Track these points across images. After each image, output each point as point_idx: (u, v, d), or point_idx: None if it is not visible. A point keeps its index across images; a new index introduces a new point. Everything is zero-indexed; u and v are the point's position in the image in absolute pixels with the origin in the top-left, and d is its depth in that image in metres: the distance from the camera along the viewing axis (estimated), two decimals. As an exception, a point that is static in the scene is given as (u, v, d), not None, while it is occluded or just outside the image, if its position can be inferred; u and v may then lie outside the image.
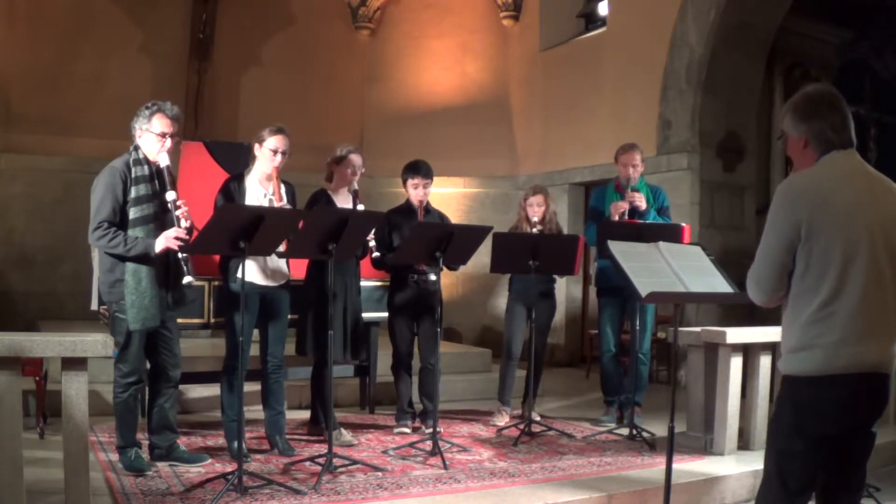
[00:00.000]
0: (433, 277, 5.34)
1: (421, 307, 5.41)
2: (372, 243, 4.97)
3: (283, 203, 4.52)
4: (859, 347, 2.47)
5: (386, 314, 5.75)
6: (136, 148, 4.23)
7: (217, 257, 4.68)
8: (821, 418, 2.51)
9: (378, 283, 5.87)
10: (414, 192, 5.45)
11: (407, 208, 5.52)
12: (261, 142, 4.56)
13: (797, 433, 2.54)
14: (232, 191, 4.53)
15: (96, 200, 4.13)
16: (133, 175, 4.14)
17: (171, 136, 4.23)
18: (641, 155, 5.85)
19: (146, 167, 4.19)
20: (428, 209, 5.53)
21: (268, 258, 4.51)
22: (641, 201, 5.67)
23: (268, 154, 4.54)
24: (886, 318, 2.52)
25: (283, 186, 4.64)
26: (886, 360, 2.54)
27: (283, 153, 4.55)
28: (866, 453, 2.62)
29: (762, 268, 2.61)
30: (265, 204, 4.52)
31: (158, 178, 4.21)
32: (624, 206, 5.64)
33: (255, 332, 4.70)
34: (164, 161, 4.18)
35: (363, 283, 5.40)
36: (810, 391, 2.52)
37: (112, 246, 4.08)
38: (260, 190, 4.59)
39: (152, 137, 4.20)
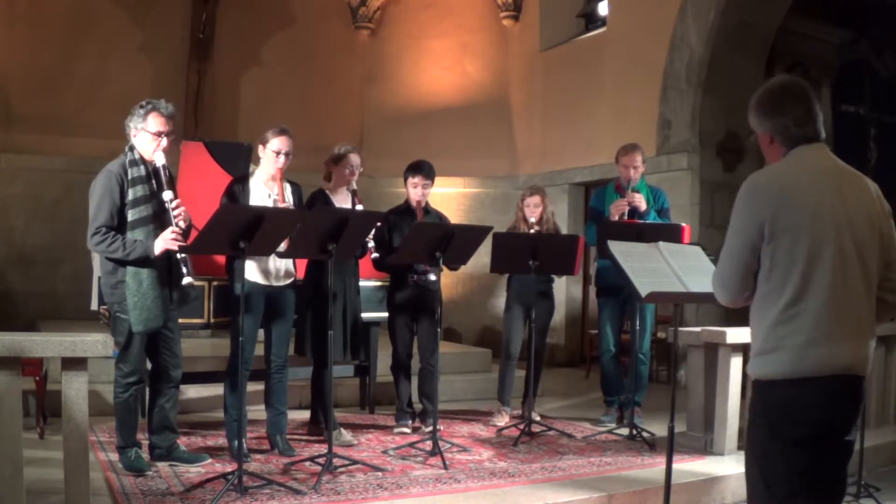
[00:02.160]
0: (433, 277, 5.33)
1: (421, 307, 5.41)
2: (371, 244, 4.96)
3: (288, 204, 4.51)
4: (828, 348, 2.38)
5: (385, 314, 5.76)
6: (132, 148, 4.21)
7: (223, 258, 4.68)
8: (792, 422, 2.42)
9: (378, 284, 5.86)
10: (413, 191, 5.45)
11: (406, 208, 5.52)
12: (264, 143, 4.56)
13: (772, 438, 2.45)
14: (236, 193, 4.53)
15: (93, 205, 4.12)
16: (130, 177, 4.12)
17: (167, 134, 4.21)
18: (643, 156, 5.84)
19: (142, 167, 4.17)
20: (427, 209, 5.53)
21: (274, 258, 4.51)
22: (641, 202, 5.66)
23: (271, 155, 4.54)
24: (857, 318, 2.44)
25: (288, 187, 4.64)
26: (859, 362, 2.44)
27: (287, 154, 4.55)
28: (843, 461, 2.51)
29: (726, 268, 2.54)
30: (269, 205, 4.51)
31: (155, 178, 4.19)
32: (623, 205, 5.64)
33: (261, 331, 4.71)
34: (160, 160, 4.17)
35: (362, 283, 5.41)
36: (779, 394, 2.43)
37: (111, 251, 4.07)
38: (264, 191, 4.59)
39: (148, 137, 4.19)
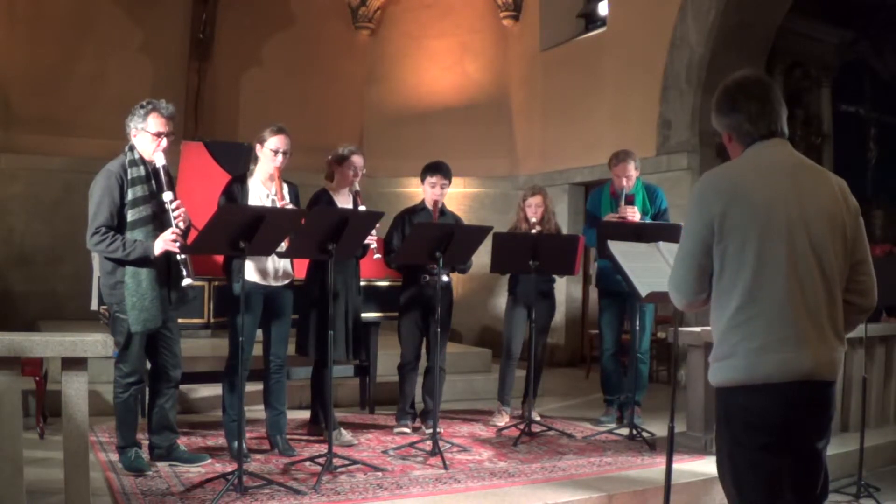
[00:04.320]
0: (445, 278, 5.31)
1: (431, 308, 5.37)
2: (373, 245, 4.95)
3: (286, 203, 4.52)
4: (785, 354, 2.27)
5: (385, 314, 5.76)
6: (132, 148, 4.21)
7: (221, 258, 4.68)
8: (752, 429, 2.32)
9: (378, 283, 5.87)
10: (431, 190, 5.46)
11: (421, 208, 5.53)
12: (262, 142, 4.56)
13: (737, 445, 2.36)
14: (235, 192, 4.53)
15: (93, 205, 4.11)
16: (129, 177, 4.12)
17: (167, 134, 4.21)
18: (636, 162, 5.77)
19: (142, 168, 4.17)
20: (443, 211, 5.53)
21: (272, 258, 4.51)
22: (634, 215, 5.61)
23: (269, 154, 4.53)
24: (818, 321, 2.31)
25: (285, 186, 4.64)
26: (822, 367, 2.30)
27: (285, 153, 4.54)
28: (815, 469, 2.40)
29: (679, 270, 2.45)
30: (268, 204, 4.51)
31: (155, 178, 4.19)
32: (615, 219, 5.60)
33: (259, 332, 4.71)
34: (160, 160, 4.16)
35: (363, 283, 5.40)
36: (737, 402, 2.34)
37: (111, 251, 4.07)
38: (262, 190, 4.59)
39: (148, 137, 4.18)
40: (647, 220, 5.71)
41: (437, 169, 5.47)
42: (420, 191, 5.62)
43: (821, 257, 2.34)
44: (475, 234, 5.05)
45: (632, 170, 5.73)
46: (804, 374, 2.29)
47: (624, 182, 5.70)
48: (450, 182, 5.52)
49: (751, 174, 2.39)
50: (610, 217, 5.63)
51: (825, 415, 2.39)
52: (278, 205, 4.47)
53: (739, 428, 2.35)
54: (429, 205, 5.50)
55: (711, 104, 2.57)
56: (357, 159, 5.08)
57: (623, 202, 5.65)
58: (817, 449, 2.40)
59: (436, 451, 4.68)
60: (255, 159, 4.62)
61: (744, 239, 2.31)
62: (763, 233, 2.31)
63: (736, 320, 2.32)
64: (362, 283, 5.52)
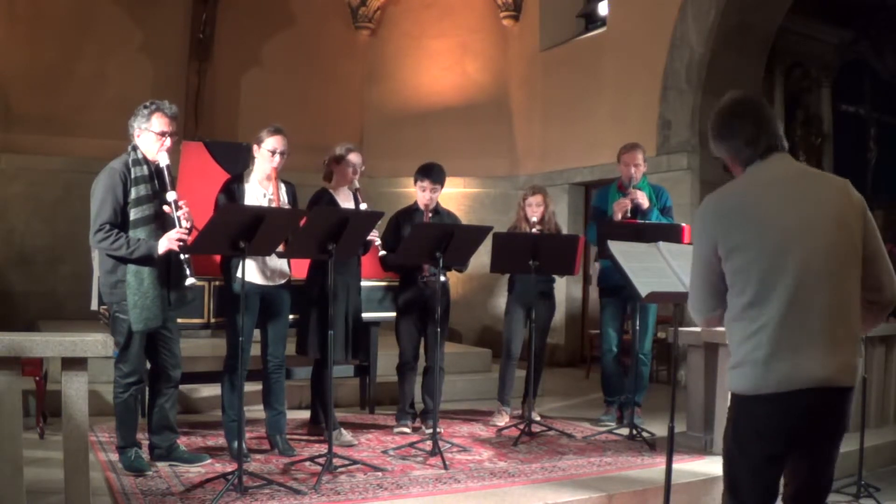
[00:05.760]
0: (443, 278, 5.32)
1: (428, 308, 5.38)
2: (377, 242, 4.95)
3: (282, 203, 4.51)
4: (795, 361, 2.29)
5: (385, 314, 5.75)
6: (135, 148, 4.22)
7: (218, 257, 4.68)
8: (759, 438, 2.36)
9: (378, 283, 5.87)
10: (421, 194, 5.47)
11: (415, 209, 5.53)
12: (259, 143, 4.57)
13: (740, 453, 2.41)
14: (233, 192, 4.53)
15: (96, 203, 4.12)
16: (133, 176, 4.13)
17: (171, 134, 4.22)
18: (644, 154, 5.84)
19: (145, 167, 4.18)
20: (437, 210, 5.53)
21: (268, 258, 4.51)
22: (644, 199, 5.66)
23: (266, 155, 4.54)
24: (830, 327, 2.32)
25: (283, 186, 4.64)
26: (836, 373, 2.31)
27: (282, 153, 4.55)
28: (823, 478, 2.43)
29: (693, 290, 2.57)
30: (264, 204, 4.51)
31: (158, 178, 4.20)
32: (626, 203, 5.64)
33: (257, 332, 4.71)
34: (163, 160, 4.17)
35: (363, 283, 5.40)
36: (747, 410, 2.38)
37: (114, 249, 4.07)
38: (259, 191, 4.59)
39: (151, 137, 4.19)
40: (654, 215, 5.72)
41: (428, 173, 5.45)
42: (419, 191, 5.63)
43: (831, 263, 2.35)
44: (475, 234, 5.05)
45: (640, 159, 5.79)
46: (815, 380, 2.30)
47: (632, 170, 5.74)
48: (441, 186, 5.50)
49: (751, 191, 2.46)
50: (620, 202, 5.65)
51: (839, 423, 2.39)
52: (275, 205, 4.47)
53: (747, 434, 2.39)
54: (421, 207, 5.51)
55: (709, 132, 2.62)
56: (354, 157, 5.10)
57: (632, 188, 5.69)
58: (830, 457, 2.42)
59: (436, 451, 4.68)
60: (253, 159, 4.63)
61: (749, 255, 2.37)
62: (767, 246, 2.35)
63: (746, 331, 2.37)
64: (365, 284, 5.53)
